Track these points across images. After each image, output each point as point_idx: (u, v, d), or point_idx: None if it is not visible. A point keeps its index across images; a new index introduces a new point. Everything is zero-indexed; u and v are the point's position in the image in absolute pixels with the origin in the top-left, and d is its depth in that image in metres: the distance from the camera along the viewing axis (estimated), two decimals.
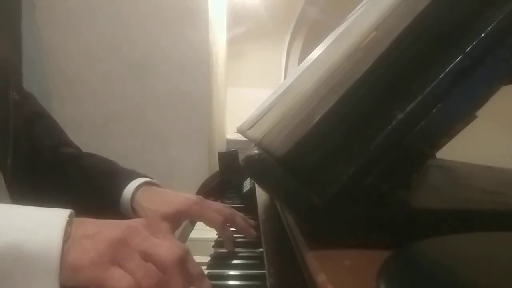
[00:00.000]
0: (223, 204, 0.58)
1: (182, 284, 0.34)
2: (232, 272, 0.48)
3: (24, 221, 0.32)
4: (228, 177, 0.99)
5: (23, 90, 0.64)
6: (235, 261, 0.53)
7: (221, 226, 0.54)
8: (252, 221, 0.60)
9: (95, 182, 0.61)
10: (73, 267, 0.31)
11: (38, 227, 0.31)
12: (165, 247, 0.35)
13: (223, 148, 1.88)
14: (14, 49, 0.60)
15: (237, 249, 0.56)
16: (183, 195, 0.56)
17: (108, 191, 0.58)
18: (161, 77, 1.68)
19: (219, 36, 1.75)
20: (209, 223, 0.55)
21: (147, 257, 0.34)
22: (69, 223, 0.33)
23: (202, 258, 0.52)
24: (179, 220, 0.56)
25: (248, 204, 0.82)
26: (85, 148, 0.72)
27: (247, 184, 0.89)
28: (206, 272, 0.48)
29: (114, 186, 0.58)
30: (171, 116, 1.70)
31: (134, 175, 0.60)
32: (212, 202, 0.57)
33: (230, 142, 2.00)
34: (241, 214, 0.59)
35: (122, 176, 0.60)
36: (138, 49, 1.64)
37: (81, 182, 0.62)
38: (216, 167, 1.09)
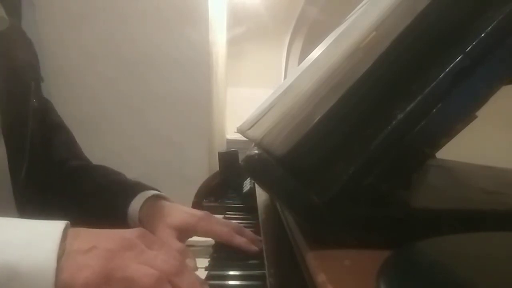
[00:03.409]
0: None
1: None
2: (232, 272, 0.48)
3: (19, 238, 0.31)
4: (228, 177, 0.99)
5: (42, 97, 0.63)
6: (235, 261, 0.53)
7: (230, 236, 0.53)
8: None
9: (103, 193, 0.61)
10: (68, 285, 0.31)
11: (33, 245, 0.31)
12: (160, 259, 0.35)
13: (223, 148, 1.88)
14: (32, 53, 0.60)
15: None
16: (191, 211, 0.56)
17: (117, 202, 0.58)
18: (161, 77, 1.68)
19: (219, 36, 1.76)
20: (218, 236, 0.54)
21: None
22: (64, 236, 0.32)
23: (202, 259, 0.52)
24: (186, 234, 0.55)
25: (248, 204, 0.82)
26: (84, 148, 0.72)
27: (247, 184, 0.89)
28: (206, 273, 0.48)
29: (122, 197, 0.58)
30: (171, 116, 1.70)
31: (142, 187, 0.60)
32: (218, 217, 0.57)
33: (230, 142, 2.01)
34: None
35: (130, 187, 0.60)
36: (138, 49, 1.64)
37: (90, 194, 0.61)
38: (216, 167, 1.09)
